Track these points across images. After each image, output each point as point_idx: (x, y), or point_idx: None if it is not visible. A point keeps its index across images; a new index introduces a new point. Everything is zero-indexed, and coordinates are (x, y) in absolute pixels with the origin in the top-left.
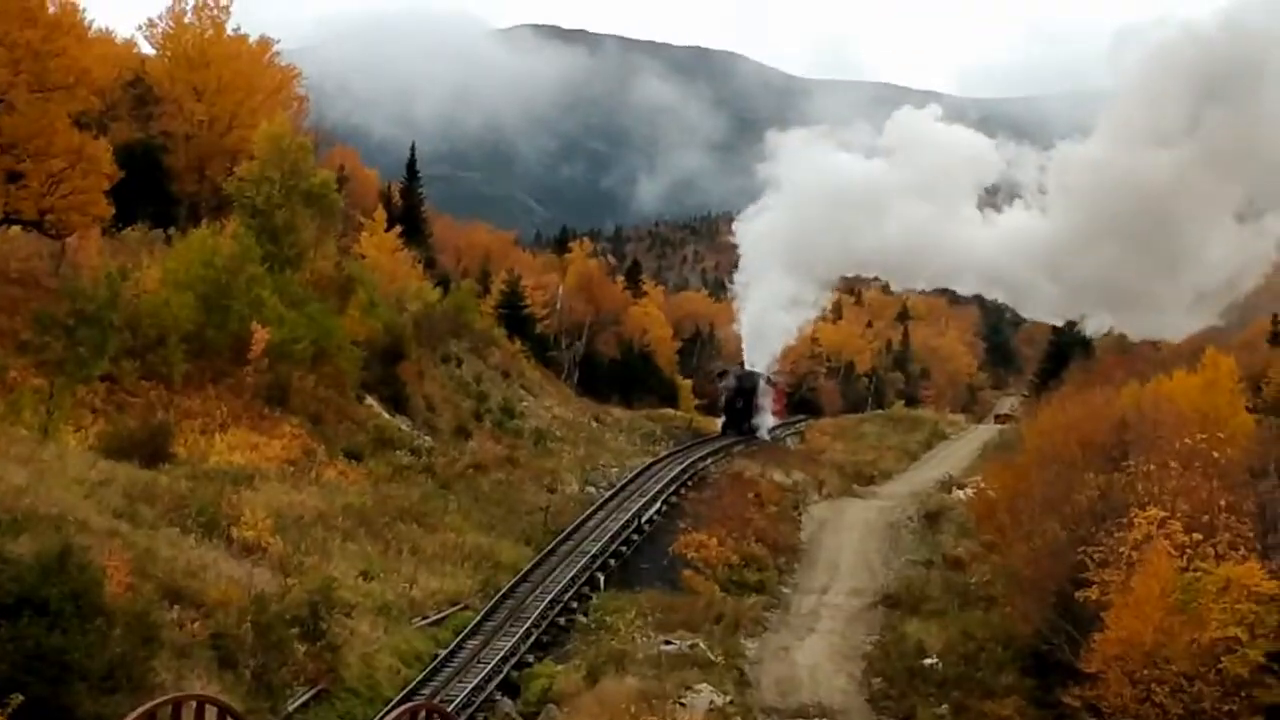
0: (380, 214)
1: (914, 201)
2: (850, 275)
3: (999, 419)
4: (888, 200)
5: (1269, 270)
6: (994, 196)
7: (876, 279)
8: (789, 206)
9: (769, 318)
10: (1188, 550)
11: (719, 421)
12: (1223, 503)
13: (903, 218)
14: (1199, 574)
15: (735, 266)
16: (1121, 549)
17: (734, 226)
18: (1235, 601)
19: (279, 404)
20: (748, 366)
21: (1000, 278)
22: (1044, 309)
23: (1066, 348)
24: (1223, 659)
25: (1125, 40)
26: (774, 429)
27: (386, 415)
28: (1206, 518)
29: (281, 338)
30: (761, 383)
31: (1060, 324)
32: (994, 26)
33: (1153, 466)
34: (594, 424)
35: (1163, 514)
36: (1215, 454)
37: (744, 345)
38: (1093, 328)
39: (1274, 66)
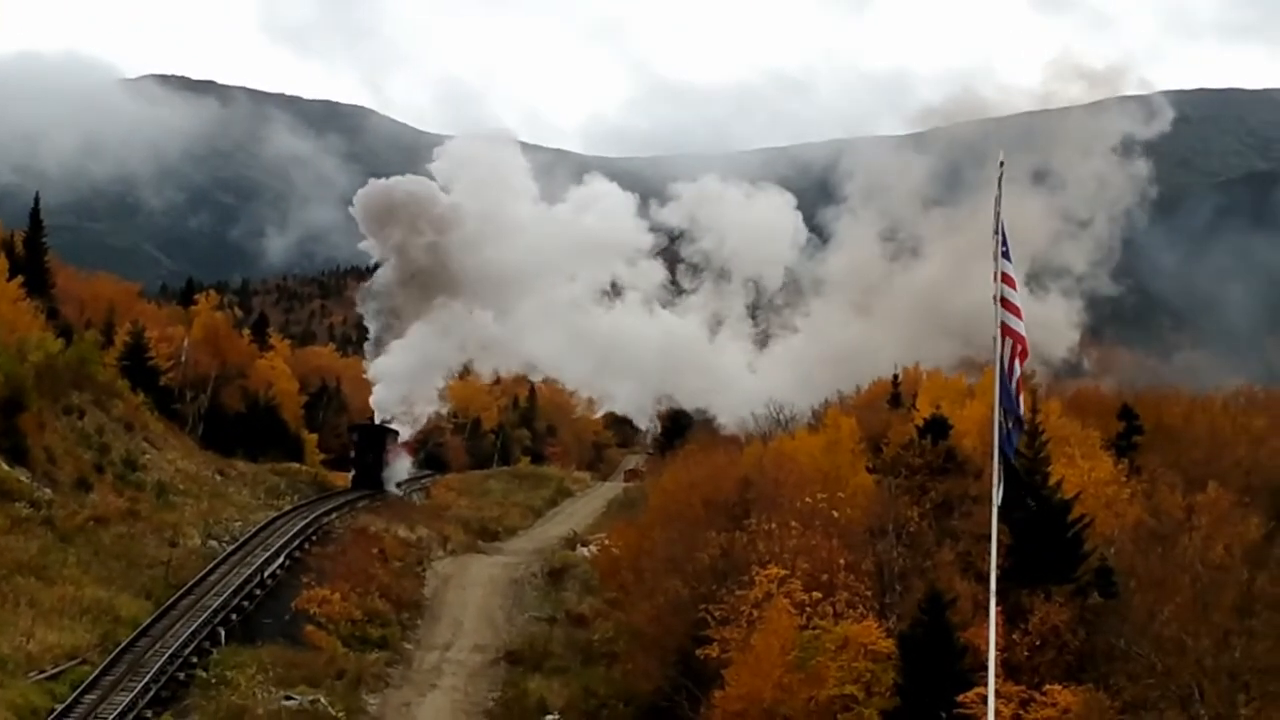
0: (2, 263)
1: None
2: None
3: (628, 475)
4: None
5: None
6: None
7: None
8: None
9: (402, 374)
10: (807, 608)
11: (350, 475)
12: (842, 561)
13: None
14: (818, 632)
15: (364, 322)
16: (742, 607)
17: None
18: (853, 659)
19: None
20: (378, 421)
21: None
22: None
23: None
24: (839, 716)
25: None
26: (402, 484)
27: (6, 466)
28: (826, 576)
29: None
30: (390, 438)
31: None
32: (616, 86)
33: (774, 525)
34: (218, 477)
35: (783, 572)
36: (835, 513)
37: (374, 401)
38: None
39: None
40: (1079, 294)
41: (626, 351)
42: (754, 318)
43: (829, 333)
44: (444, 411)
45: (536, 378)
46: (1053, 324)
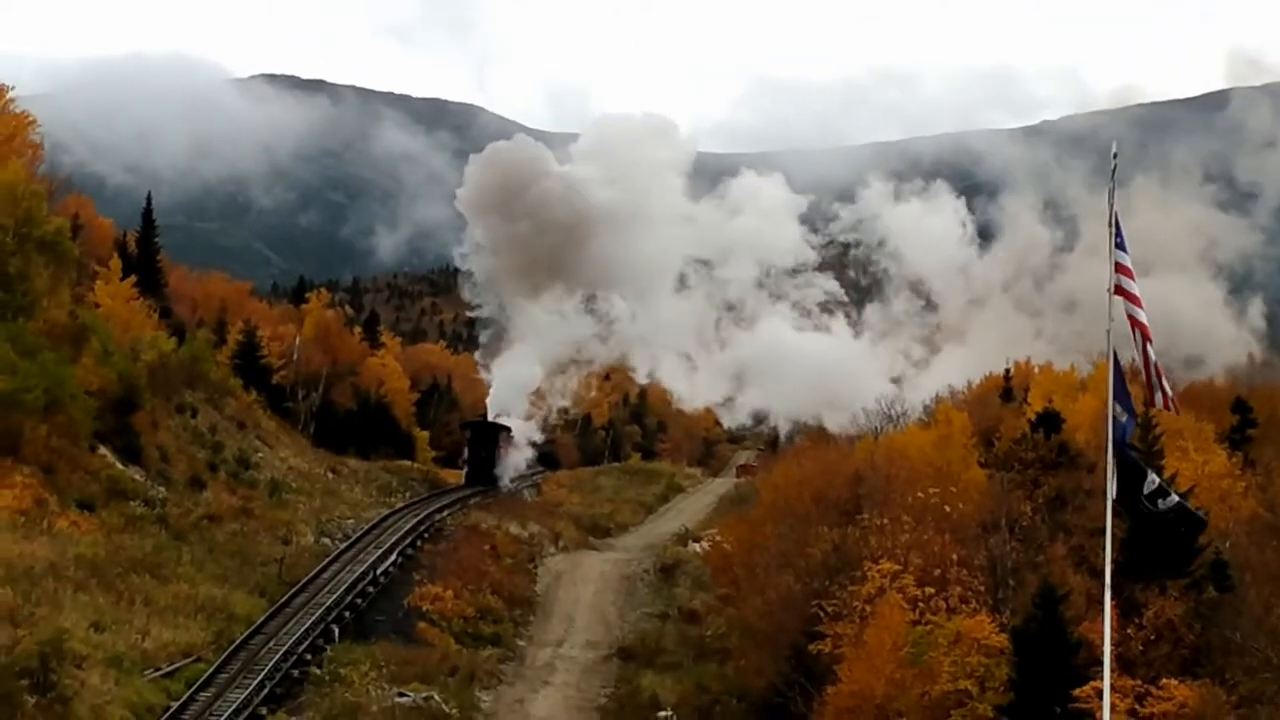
0: (115, 263)
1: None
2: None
3: (740, 470)
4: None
5: None
6: None
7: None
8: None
9: (518, 371)
10: (920, 603)
11: (463, 472)
12: (955, 556)
13: None
14: (930, 627)
15: (469, 309)
16: (855, 602)
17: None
18: (966, 654)
19: (10, 454)
20: (490, 418)
21: None
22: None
23: None
24: (953, 712)
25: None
26: (514, 480)
27: (120, 465)
28: (939, 571)
29: (13, 387)
30: (502, 434)
31: None
32: (721, 82)
33: (886, 520)
34: (330, 475)
35: (895, 567)
36: (947, 508)
37: (489, 398)
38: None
39: None
40: (1263, 300)
41: (777, 366)
42: (917, 330)
43: (995, 338)
44: (568, 407)
45: (679, 405)
46: (1227, 334)
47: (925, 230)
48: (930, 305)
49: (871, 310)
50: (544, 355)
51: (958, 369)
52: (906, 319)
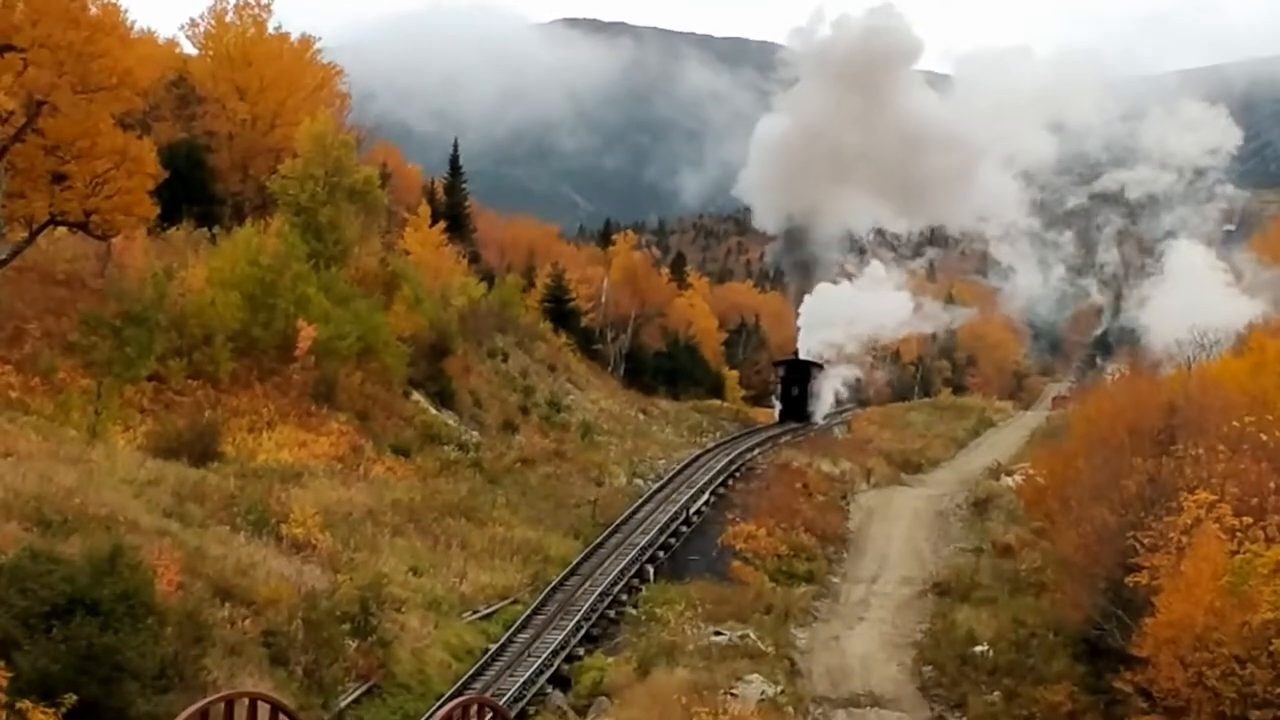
0: (424, 210)
1: None
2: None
3: (1056, 402)
4: None
5: None
6: None
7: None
8: None
9: (829, 307)
10: (1238, 533)
11: (776, 410)
12: (1272, 485)
13: None
14: (1249, 556)
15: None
16: (1171, 534)
17: None
18: None
19: (326, 401)
20: (801, 355)
21: None
22: None
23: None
24: (1274, 641)
25: None
26: (825, 417)
27: (433, 411)
28: (1256, 500)
29: (327, 335)
30: (815, 371)
31: None
32: (1015, 7)
33: (1201, 451)
34: (641, 416)
35: (1212, 498)
36: (1264, 437)
37: (799, 334)
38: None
39: None
40: None
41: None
42: None
43: None
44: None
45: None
46: None
47: None
48: None
49: None
50: (862, 289)
51: None
52: None
